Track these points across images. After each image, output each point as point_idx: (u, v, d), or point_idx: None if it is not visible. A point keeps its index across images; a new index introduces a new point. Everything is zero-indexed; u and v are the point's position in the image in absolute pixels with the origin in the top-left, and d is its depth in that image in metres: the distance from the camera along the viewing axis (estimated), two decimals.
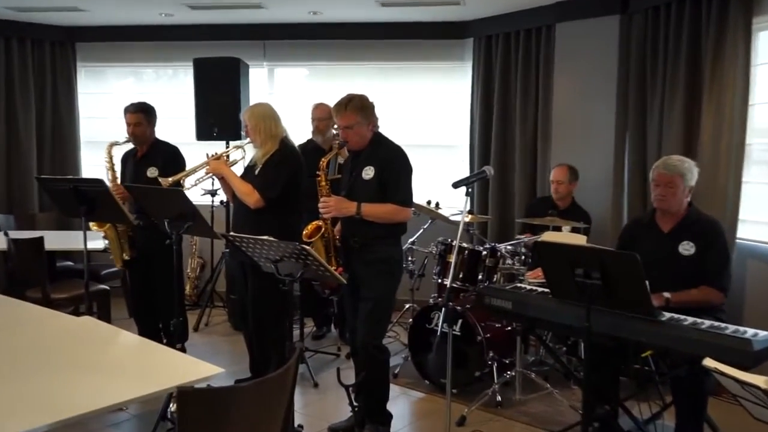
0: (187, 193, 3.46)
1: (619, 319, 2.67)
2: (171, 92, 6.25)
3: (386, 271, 3.22)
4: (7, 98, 5.97)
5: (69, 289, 4.38)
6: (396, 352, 4.40)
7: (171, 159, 4.08)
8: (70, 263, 5.62)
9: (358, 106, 3.17)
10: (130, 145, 4.24)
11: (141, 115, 4.11)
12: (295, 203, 3.67)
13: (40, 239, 4.16)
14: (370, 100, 3.25)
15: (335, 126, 3.45)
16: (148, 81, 6.48)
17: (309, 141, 4.81)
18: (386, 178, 3.15)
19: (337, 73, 6.06)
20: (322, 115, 4.71)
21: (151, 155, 4.16)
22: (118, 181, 4.11)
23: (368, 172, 3.18)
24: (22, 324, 2.64)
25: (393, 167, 3.17)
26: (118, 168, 4.21)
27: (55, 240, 4.69)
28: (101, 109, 6.27)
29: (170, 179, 3.67)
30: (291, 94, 6.12)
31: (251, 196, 3.55)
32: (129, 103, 4.17)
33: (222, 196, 5.36)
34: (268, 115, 3.63)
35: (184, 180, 3.76)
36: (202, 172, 3.76)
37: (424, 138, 5.91)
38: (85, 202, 3.59)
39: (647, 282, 2.57)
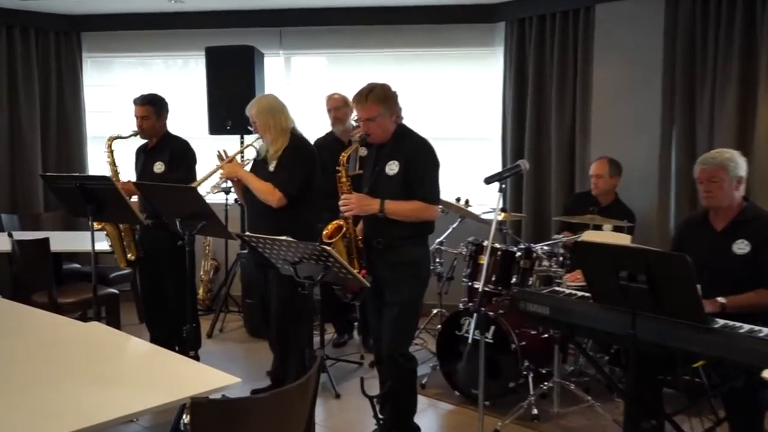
0: (200, 190, 3.48)
1: (668, 326, 2.63)
2: (181, 83, 6.30)
3: (412, 274, 3.22)
4: (9, 91, 6.06)
5: (76, 293, 4.45)
6: (423, 361, 4.39)
7: (179, 154, 4.14)
8: (77, 265, 5.70)
9: (380, 97, 3.16)
10: (138, 140, 4.29)
11: (149, 108, 4.16)
12: (310, 198, 3.68)
13: (46, 240, 4.22)
14: (393, 89, 3.25)
15: (355, 116, 3.44)
16: (157, 72, 6.55)
17: (329, 134, 4.82)
18: (411, 173, 3.15)
19: (359, 61, 6.05)
20: (336, 105, 4.74)
21: (159, 149, 4.20)
22: (120, 177, 4.16)
23: (392, 167, 3.18)
24: (28, 330, 2.68)
25: (419, 161, 3.16)
26: (124, 163, 4.26)
27: (62, 241, 4.75)
28: (108, 102, 6.35)
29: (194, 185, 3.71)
30: (309, 84, 6.13)
31: (273, 195, 3.57)
32: (138, 95, 4.22)
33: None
34: (276, 109, 3.66)
35: (199, 185, 3.79)
36: (216, 177, 3.80)
37: (453, 130, 5.88)
38: (92, 200, 3.63)
39: (699, 286, 2.52)
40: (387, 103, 3.18)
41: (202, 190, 3.78)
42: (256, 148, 3.87)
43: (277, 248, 2.92)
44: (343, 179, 3.25)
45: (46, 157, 6.21)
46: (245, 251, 5.17)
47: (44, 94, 6.19)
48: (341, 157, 3.27)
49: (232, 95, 5.29)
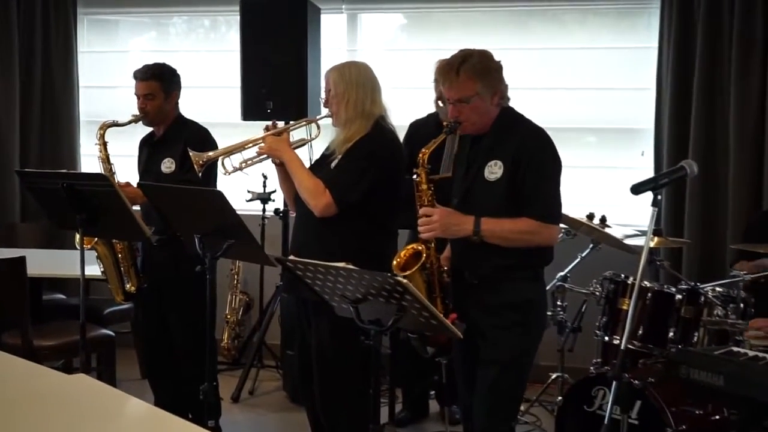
0: (228, 195, 3.51)
1: None
2: (208, 51, 6.47)
3: (519, 322, 3.18)
4: None
5: (59, 334, 4.57)
6: None
7: (195, 144, 4.08)
8: (60, 296, 5.86)
9: (478, 69, 3.14)
10: (140, 128, 4.38)
11: (154, 84, 4.25)
12: (387, 217, 3.69)
13: (21, 261, 4.35)
14: (496, 59, 3.23)
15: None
16: (175, 36, 6.73)
17: (430, 116, 4.78)
18: (522, 179, 3.11)
19: (449, 21, 6.07)
20: None
21: (169, 141, 4.29)
22: (116, 177, 4.25)
23: (493, 170, 3.16)
24: None
25: (532, 161, 3.12)
26: (127, 160, 4.36)
27: (42, 262, 4.90)
28: (110, 76, 6.54)
29: (206, 155, 3.74)
30: (380, 52, 6.19)
31: (318, 197, 3.57)
32: (142, 65, 4.31)
33: (279, 202, 5.47)
34: (364, 83, 3.66)
35: (223, 159, 3.77)
36: (252, 152, 3.79)
37: (582, 117, 5.84)
38: (83, 207, 3.72)
39: None
40: (487, 79, 3.15)
41: (228, 165, 3.76)
42: (318, 126, 3.85)
43: (333, 279, 2.91)
44: (423, 186, 3.23)
45: (25, 147, 6.43)
46: None
47: (26, 64, 6.42)
48: (420, 155, 3.25)
49: (276, 67, 5.34)
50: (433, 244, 3.26)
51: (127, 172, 4.44)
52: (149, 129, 4.43)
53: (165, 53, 6.17)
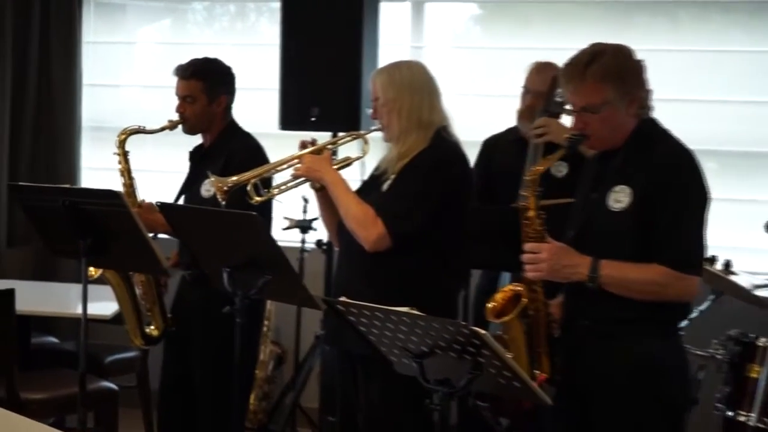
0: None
1: None
2: (237, 47, 6.50)
3: (648, 389, 3.08)
4: None
5: (51, 386, 4.61)
6: None
7: (237, 162, 4.13)
8: (53, 339, 5.88)
9: (610, 70, 3.09)
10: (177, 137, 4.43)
11: (195, 84, 4.27)
12: (453, 250, 3.68)
13: (9, 294, 4.39)
14: (635, 57, 3.17)
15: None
16: (195, 25, 6.79)
17: (510, 131, 4.75)
18: (657, 212, 3.06)
19: (532, 14, 6.12)
20: (541, 87, 4.59)
21: (213, 156, 4.29)
22: (138, 194, 4.30)
23: (619, 197, 3.10)
24: None
25: (671, 191, 3.07)
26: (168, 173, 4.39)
27: (31, 297, 4.93)
28: (116, 73, 6.65)
29: (230, 180, 3.74)
30: (451, 48, 6.23)
31: (369, 228, 3.58)
32: (188, 60, 4.34)
33: (322, 232, 5.48)
34: (420, 87, 3.67)
35: (252, 184, 3.76)
36: (287, 174, 3.82)
37: (697, 137, 5.63)
38: (88, 231, 3.75)
39: None
40: (622, 82, 3.10)
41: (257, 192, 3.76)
42: (366, 142, 3.86)
43: (393, 327, 2.91)
44: (531, 213, 3.18)
45: (16, 158, 6.50)
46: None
47: (19, 57, 6.49)
48: (530, 174, 3.22)
49: (323, 66, 5.38)
50: (539, 287, 3.22)
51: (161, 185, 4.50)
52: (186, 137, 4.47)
53: (181, 46, 6.23)
